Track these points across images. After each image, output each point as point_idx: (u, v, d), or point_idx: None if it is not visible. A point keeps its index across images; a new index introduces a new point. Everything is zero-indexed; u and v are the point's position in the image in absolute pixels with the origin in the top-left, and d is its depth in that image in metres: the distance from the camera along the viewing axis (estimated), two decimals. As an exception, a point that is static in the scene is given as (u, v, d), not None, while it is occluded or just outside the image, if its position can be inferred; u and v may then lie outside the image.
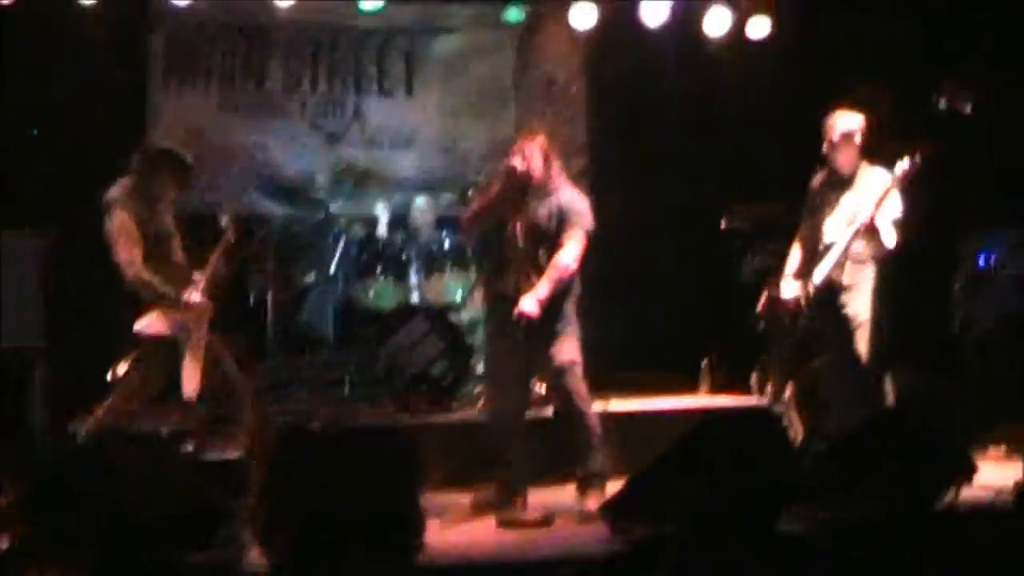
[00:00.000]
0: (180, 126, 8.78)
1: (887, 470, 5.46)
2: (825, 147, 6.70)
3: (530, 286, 6.00)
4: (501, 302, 6.15)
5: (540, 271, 6.05)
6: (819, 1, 8.66)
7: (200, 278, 6.18)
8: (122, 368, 5.98)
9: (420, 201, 8.46)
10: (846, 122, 6.65)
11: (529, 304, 5.94)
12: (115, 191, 6.09)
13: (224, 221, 6.44)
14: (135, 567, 4.62)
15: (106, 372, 6.12)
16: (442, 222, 8.36)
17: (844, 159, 6.66)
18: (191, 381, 5.92)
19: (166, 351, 5.96)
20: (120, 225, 5.95)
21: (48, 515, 4.63)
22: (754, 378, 7.83)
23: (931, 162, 6.46)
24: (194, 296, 6.04)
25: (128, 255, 5.91)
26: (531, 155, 6.19)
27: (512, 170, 6.12)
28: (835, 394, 6.75)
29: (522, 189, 6.15)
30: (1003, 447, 7.19)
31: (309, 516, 4.74)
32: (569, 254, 6.07)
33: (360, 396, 7.64)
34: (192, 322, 6.00)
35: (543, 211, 6.15)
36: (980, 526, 5.53)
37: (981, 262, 7.95)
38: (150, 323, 5.92)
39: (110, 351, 6.07)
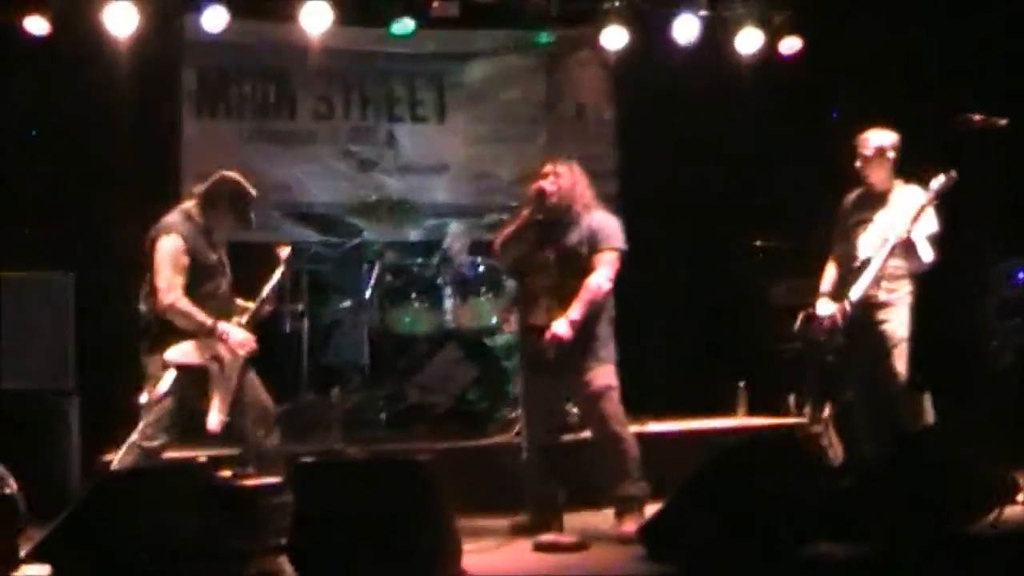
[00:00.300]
0: (213, 157, 8.84)
1: (916, 497, 5.41)
2: (858, 163, 6.69)
3: (563, 312, 5.97)
4: (534, 331, 6.11)
5: (573, 296, 6.00)
6: (849, 23, 8.63)
7: (247, 310, 6.16)
8: (149, 392, 5.90)
9: (455, 227, 8.47)
10: (879, 138, 6.64)
11: (562, 327, 5.92)
12: (174, 216, 6.04)
13: (284, 253, 6.39)
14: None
15: (137, 409, 6.04)
16: (475, 247, 8.36)
17: (877, 175, 6.65)
18: (218, 413, 5.86)
19: (197, 381, 5.90)
20: (171, 250, 5.88)
21: (79, 551, 4.62)
22: (792, 399, 7.78)
23: (967, 179, 6.44)
24: (233, 329, 5.97)
25: (169, 281, 5.83)
26: (561, 178, 6.19)
27: (541, 192, 6.10)
28: (868, 417, 6.69)
29: (552, 214, 6.13)
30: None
31: (342, 546, 4.75)
32: (601, 275, 6.04)
33: (395, 428, 7.60)
34: (226, 352, 5.95)
35: (574, 236, 6.13)
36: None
37: (1017, 284, 7.87)
38: (182, 352, 5.85)
39: (144, 382, 6.02)
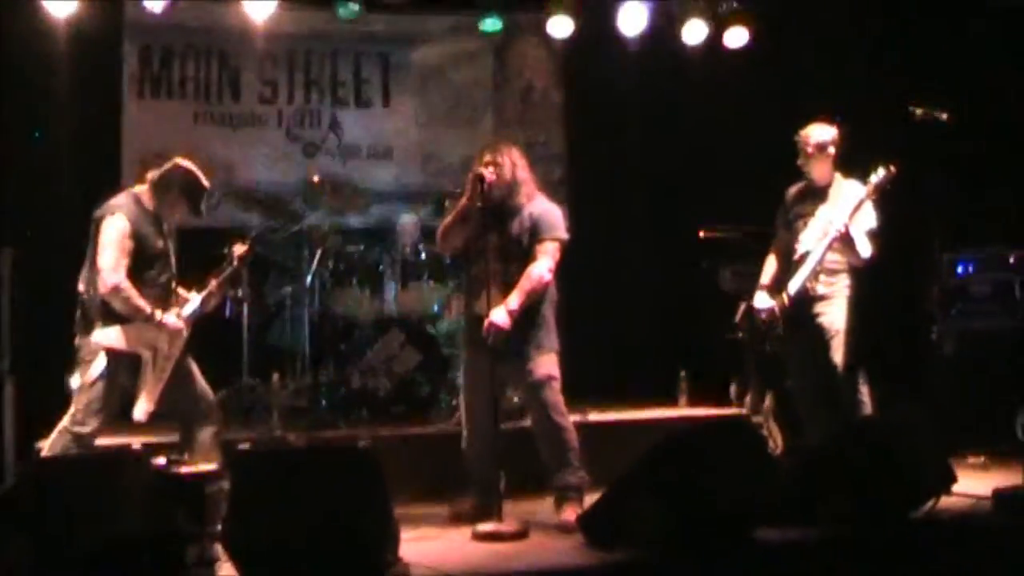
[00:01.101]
0: (156, 138, 8.77)
1: (861, 482, 5.45)
2: (800, 159, 6.75)
3: (504, 300, 5.94)
4: (477, 320, 6.06)
5: (515, 285, 5.98)
6: (796, 14, 8.66)
7: (188, 300, 6.08)
8: (79, 376, 5.82)
9: (406, 217, 8.42)
10: (820, 134, 6.70)
11: (499, 316, 5.88)
12: (121, 198, 5.92)
13: (238, 249, 6.32)
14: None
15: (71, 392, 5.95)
16: (421, 233, 8.33)
17: (819, 170, 6.72)
18: (146, 402, 5.79)
19: (128, 367, 5.81)
20: (116, 232, 5.75)
21: (10, 537, 4.56)
22: (733, 389, 7.82)
23: (906, 173, 6.48)
24: (169, 317, 5.89)
25: (114, 262, 5.71)
26: (502, 167, 6.13)
27: (479, 178, 6.04)
28: (809, 406, 6.75)
29: (493, 201, 6.08)
30: (982, 456, 7.19)
31: (279, 535, 4.72)
32: (542, 265, 6.01)
33: (336, 413, 7.57)
34: (163, 342, 5.86)
35: (515, 224, 6.09)
36: (959, 534, 5.55)
37: (959, 274, 7.95)
38: (109, 336, 5.75)
39: (77, 365, 5.93)
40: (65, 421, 5.77)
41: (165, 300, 5.96)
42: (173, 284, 6.10)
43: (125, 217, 5.80)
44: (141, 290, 5.81)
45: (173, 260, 6.10)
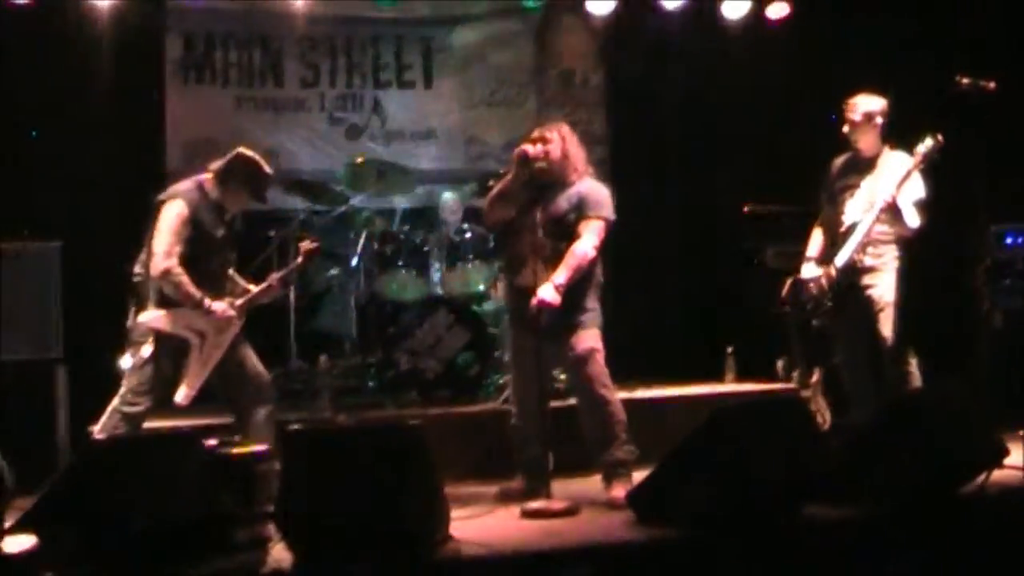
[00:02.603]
0: (199, 124, 8.83)
1: (909, 457, 5.42)
2: (846, 128, 6.68)
3: (548, 276, 5.93)
4: (521, 294, 6.06)
5: (559, 261, 5.97)
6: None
7: (246, 292, 6.13)
8: (130, 357, 5.88)
9: (448, 196, 8.43)
10: (867, 104, 6.63)
11: (547, 292, 5.88)
12: (185, 184, 5.97)
13: (305, 245, 6.39)
14: (151, 573, 4.60)
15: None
16: (465, 214, 8.34)
17: (865, 141, 6.65)
18: (188, 387, 5.83)
19: (174, 351, 5.86)
20: (174, 217, 5.80)
21: (66, 521, 4.61)
22: (780, 364, 7.79)
23: (953, 144, 6.42)
24: (219, 305, 5.92)
25: (167, 247, 5.75)
26: (551, 144, 6.14)
27: (524, 155, 6.05)
28: (857, 381, 6.71)
29: (541, 177, 6.09)
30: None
31: (330, 513, 4.75)
32: (587, 242, 6.01)
33: (384, 394, 7.59)
34: (211, 329, 5.90)
35: (562, 201, 6.09)
36: (1009, 508, 5.51)
37: (1007, 246, 7.87)
38: (154, 318, 5.80)
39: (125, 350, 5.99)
40: (116, 401, 5.83)
41: (219, 288, 6.01)
42: (230, 273, 6.15)
43: (185, 204, 5.86)
44: (195, 277, 5.85)
45: (233, 250, 6.15)
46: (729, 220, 8.80)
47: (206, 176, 6.04)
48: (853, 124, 6.65)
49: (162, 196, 5.93)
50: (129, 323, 5.93)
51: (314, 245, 6.44)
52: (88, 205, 8.08)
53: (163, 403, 5.95)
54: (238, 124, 8.96)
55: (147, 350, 5.78)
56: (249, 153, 6.10)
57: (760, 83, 9.02)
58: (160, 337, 5.80)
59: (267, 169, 6.15)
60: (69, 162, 8.17)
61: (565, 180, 6.13)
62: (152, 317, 5.81)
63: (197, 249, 5.89)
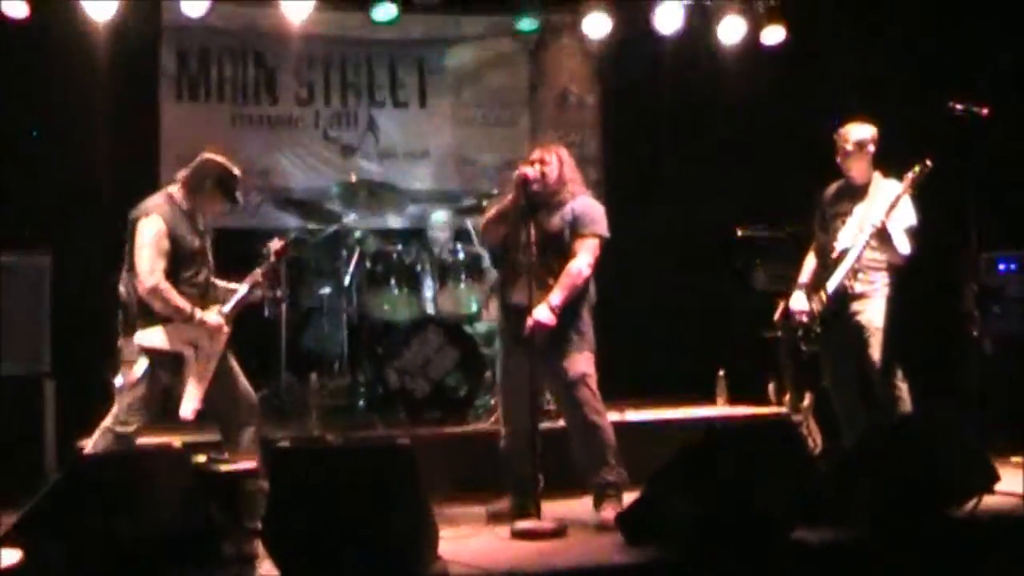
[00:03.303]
0: (193, 140, 8.80)
1: (899, 482, 5.41)
2: (838, 157, 6.73)
3: (543, 295, 5.93)
4: (515, 312, 6.07)
5: (554, 280, 5.98)
6: (833, 10, 8.62)
7: (229, 296, 6.10)
8: (122, 376, 5.85)
9: (439, 215, 8.43)
10: (859, 132, 6.68)
11: (543, 314, 5.88)
12: (156, 199, 5.94)
13: (274, 244, 6.32)
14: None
15: (113, 393, 5.98)
16: (457, 234, 8.34)
17: (857, 169, 6.71)
18: (191, 401, 5.81)
19: (172, 366, 5.84)
20: (153, 233, 5.77)
21: (52, 536, 4.59)
22: (771, 388, 7.79)
23: (945, 170, 6.43)
24: (210, 315, 5.91)
25: (150, 264, 5.73)
26: (548, 165, 6.16)
27: (524, 178, 6.07)
28: (847, 405, 6.72)
29: (536, 198, 6.09)
30: (1024, 455, 7.12)
31: (318, 532, 4.73)
32: (582, 260, 6.02)
33: (373, 413, 7.57)
34: (204, 340, 5.89)
35: (556, 220, 6.11)
36: (1000, 533, 5.50)
37: (1000, 272, 7.88)
38: (152, 337, 5.78)
39: (119, 366, 5.97)
40: (108, 421, 5.81)
41: (204, 298, 5.98)
42: (212, 281, 6.12)
43: (160, 218, 5.82)
44: (180, 289, 5.83)
45: (211, 257, 6.12)
46: (721, 241, 8.80)
47: (173, 188, 6.02)
48: (845, 153, 6.70)
49: (135, 213, 5.89)
50: (119, 342, 5.90)
51: (282, 243, 6.38)
52: (80, 219, 8.05)
53: (158, 419, 5.94)
54: (232, 140, 8.92)
55: (140, 369, 5.76)
56: (215, 156, 6.07)
57: (755, 106, 9.02)
58: (154, 355, 5.78)
59: (235, 170, 6.11)
60: (62, 175, 8.16)
61: (561, 199, 6.15)
62: (147, 337, 5.78)
63: (178, 262, 5.86)
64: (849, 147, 6.69)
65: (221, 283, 6.18)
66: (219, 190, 6.05)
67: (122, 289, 5.92)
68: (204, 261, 6.06)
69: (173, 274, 5.83)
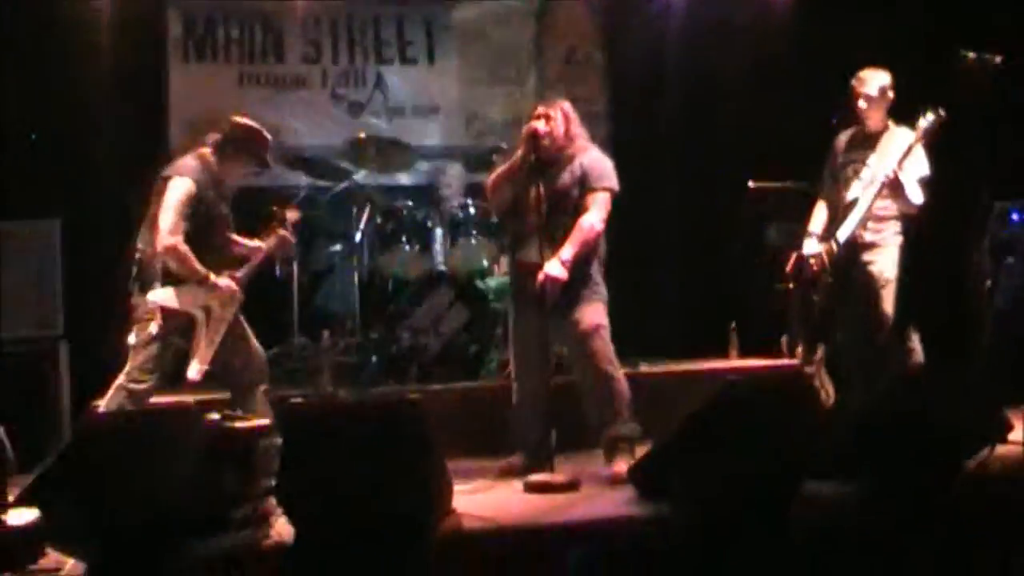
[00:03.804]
0: (201, 101, 8.81)
1: (911, 434, 5.40)
2: (857, 103, 6.63)
3: (554, 252, 5.92)
4: (526, 270, 6.06)
5: (564, 237, 5.97)
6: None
7: (245, 261, 6.14)
8: (136, 334, 5.87)
9: (450, 170, 8.42)
10: (880, 78, 6.58)
11: (555, 268, 5.87)
12: (190, 160, 5.95)
13: (292, 216, 6.37)
14: (150, 550, 4.60)
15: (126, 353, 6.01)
16: (467, 189, 8.32)
17: (875, 116, 6.61)
18: (200, 363, 5.84)
19: (181, 327, 5.85)
20: (181, 193, 5.79)
21: (68, 495, 4.61)
22: (784, 340, 7.77)
23: (957, 119, 6.38)
24: (223, 280, 5.93)
25: (173, 224, 5.75)
26: (553, 120, 6.14)
27: (534, 133, 6.04)
28: (859, 358, 6.68)
29: (544, 154, 6.08)
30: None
31: (332, 488, 4.74)
32: (594, 215, 6.01)
33: (385, 371, 7.58)
34: (216, 304, 5.91)
35: (566, 176, 6.09)
36: (1012, 483, 5.50)
37: (1012, 223, 7.83)
38: (162, 295, 5.80)
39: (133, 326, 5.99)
40: (121, 378, 5.83)
41: (221, 263, 6.01)
42: (230, 243, 6.14)
43: (192, 180, 5.85)
44: (199, 253, 5.85)
45: (231, 224, 6.16)
46: (732, 196, 8.77)
47: (205, 150, 6.03)
48: (869, 99, 6.59)
49: (167, 171, 5.92)
50: (133, 300, 5.92)
51: (297, 214, 6.42)
52: (90, 182, 8.05)
53: (173, 380, 5.97)
54: (240, 101, 8.91)
55: (153, 327, 5.78)
56: (245, 120, 6.12)
57: (762, 60, 8.98)
58: (167, 314, 5.80)
59: (266, 134, 6.16)
60: (71, 139, 8.15)
61: (568, 155, 6.13)
62: (160, 295, 5.81)
63: (200, 226, 5.89)
64: (874, 92, 6.59)
65: (240, 241, 6.19)
66: (250, 154, 6.09)
67: (140, 245, 5.94)
68: (224, 225, 6.10)
69: (195, 237, 5.86)
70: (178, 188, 5.82)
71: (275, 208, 6.44)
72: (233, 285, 5.98)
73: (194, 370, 5.85)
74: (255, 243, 6.24)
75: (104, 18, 8.34)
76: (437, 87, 9.52)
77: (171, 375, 5.96)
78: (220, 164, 6.01)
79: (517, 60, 9.72)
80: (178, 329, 5.85)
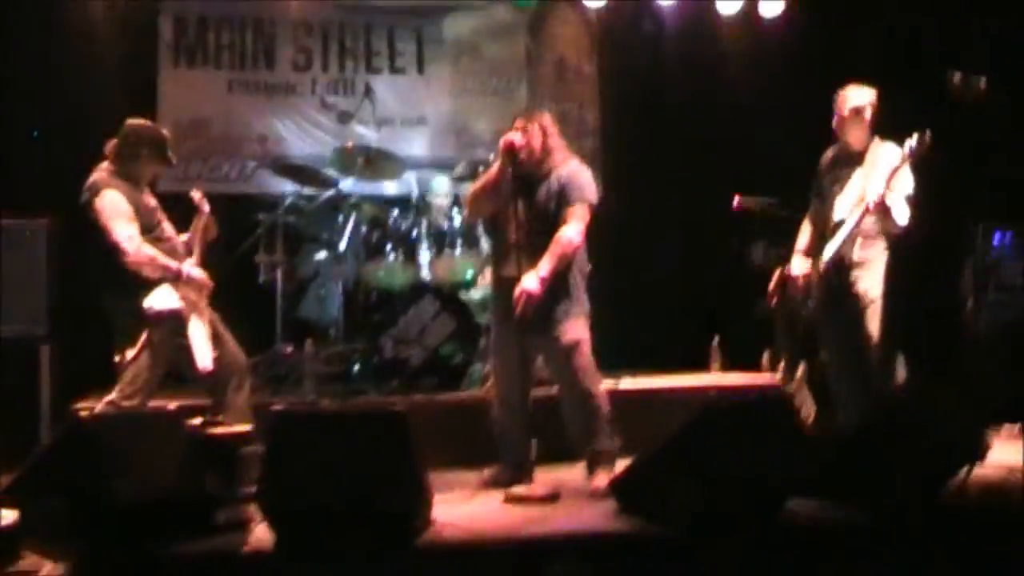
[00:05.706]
0: (191, 106, 8.82)
1: (892, 455, 5.42)
2: (835, 122, 6.61)
3: (533, 266, 5.90)
4: (506, 285, 6.03)
5: (543, 251, 5.95)
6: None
7: (192, 249, 6.16)
8: (131, 352, 5.86)
9: (438, 182, 8.43)
10: (857, 96, 6.56)
11: (531, 282, 5.86)
12: (98, 174, 5.98)
13: (196, 196, 6.35)
14: (132, 552, 4.60)
15: (110, 354, 6.00)
16: (454, 200, 8.33)
17: (855, 134, 6.57)
18: (205, 351, 5.85)
19: (173, 327, 5.86)
20: (112, 204, 5.83)
21: (46, 496, 4.61)
22: (766, 357, 7.79)
23: (944, 140, 6.39)
24: (195, 270, 5.98)
25: (126, 232, 5.79)
26: (531, 132, 6.10)
27: (510, 146, 6.02)
28: (843, 377, 6.67)
29: (523, 168, 6.04)
30: (1018, 426, 7.11)
31: (313, 496, 4.75)
32: (572, 229, 5.98)
33: (368, 381, 7.57)
34: (192, 294, 5.93)
35: (544, 190, 6.07)
36: (989, 505, 5.52)
37: (996, 245, 7.86)
38: (160, 298, 5.81)
39: (113, 333, 5.98)
40: (113, 394, 5.84)
41: (179, 255, 6.05)
42: (176, 237, 6.16)
43: (111, 189, 5.88)
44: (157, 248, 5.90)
45: (164, 216, 6.15)
46: (719, 214, 8.79)
47: (104, 163, 6.06)
48: (842, 118, 6.56)
49: (85, 196, 5.94)
50: (121, 314, 5.91)
51: (198, 193, 6.38)
52: (78, 183, 8.02)
53: (182, 378, 6.04)
54: (229, 106, 9.00)
55: (141, 340, 5.81)
56: (138, 121, 6.17)
57: (752, 78, 9.02)
58: (156, 321, 5.80)
59: (163, 131, 6.20)
60: (59, 140, 8.13)
61: (547, 168, 6.11)
62: (158, 299, 5.81)
63: (141, 226, 5.91)
64: (845, 113, 6.55)
65: (177, 238, 6.21)
66: (153, 154, 6.10)
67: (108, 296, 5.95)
68: (159, 219, 6.10)
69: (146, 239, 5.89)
70: (108, 200, 5.86)
71: (189, 194, 6.42)
72: (203, 273, 6.03)
73: (204, 359, 5.85)
74: (187, 234, 6.24)
75: (97, 21, 8.32)
76: (426, 97, 9.54)
77: (178, 374, 6.02)
78: (124, 169, 6.02)
79: (508, 73, 9.74)
80: (168, 332, 5.86)
